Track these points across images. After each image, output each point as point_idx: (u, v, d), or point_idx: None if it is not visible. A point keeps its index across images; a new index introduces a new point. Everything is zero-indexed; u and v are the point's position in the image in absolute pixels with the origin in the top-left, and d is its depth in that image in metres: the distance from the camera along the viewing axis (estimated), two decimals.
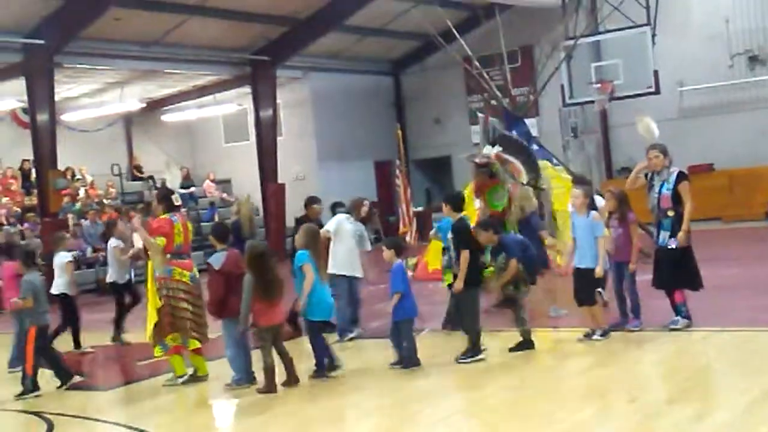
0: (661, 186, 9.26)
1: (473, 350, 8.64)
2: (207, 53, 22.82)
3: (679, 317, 9.18)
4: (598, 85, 21.31)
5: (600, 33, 22.29)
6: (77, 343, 11.41)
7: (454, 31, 18.84)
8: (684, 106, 23.33)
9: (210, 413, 8.33)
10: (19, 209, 21.35)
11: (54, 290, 11.25)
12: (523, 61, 24.04)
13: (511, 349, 8.89)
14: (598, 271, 9.07)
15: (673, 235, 9.16)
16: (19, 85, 19.57)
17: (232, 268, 8.51)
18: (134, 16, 19.70)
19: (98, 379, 10.26)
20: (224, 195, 26.57)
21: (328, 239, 10.34)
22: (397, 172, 18.66)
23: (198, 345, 8.91)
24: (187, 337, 8.82)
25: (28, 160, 22.08)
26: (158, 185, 24.97)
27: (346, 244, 10.28)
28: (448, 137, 26.98)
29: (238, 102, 25.69)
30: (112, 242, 12.13)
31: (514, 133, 17.14)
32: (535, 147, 17.23)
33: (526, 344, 8.93)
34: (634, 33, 20.93)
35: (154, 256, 8.86)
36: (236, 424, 7.99)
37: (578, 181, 11.10)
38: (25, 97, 19.69)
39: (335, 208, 11.09)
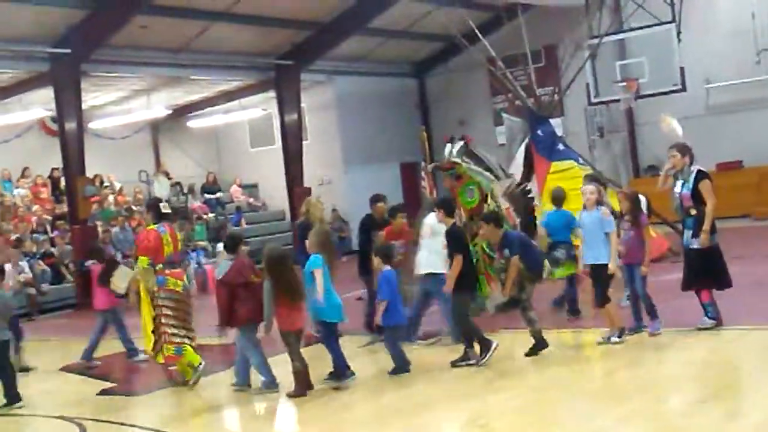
0: (682, 185, 9.18)
1: (466, 356, 8.68)
2: (232, 59, 22.94)
3: (705, 317, 9.08)
4: (624, 84, 21.18)
5: (624, 31, 22.15)
6: None
7: (477, 32, 18.82)
8: (711, 103, 23.14)
9: (240, 418, 8.37)
10: (49, 217, 21.56)
11: None
12: (547, 61, 23.93)
13: (526, 354, 8.83)
14: (611, 268, 8.94)
15: (696, 234, 9.07)
16: (47, 94, 19.80)
17: (234, 278, 8.60)
18: (159, 24, 19.85)
19: (130, 384, 10.35)
20: (251, 200, 26.70)
21: (408, 241, 10.45)
22: (423, 174, 18.64)
23: (191, 349, 9.12)
24: (180, 345, 9.01)
25: (57, 168, 22.31)
26: (185, 191, 25.20)
27: (438, 242, 9.79)
28: (473, 138, 26.89)
29: (263, 107, 25.80)
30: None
31: (539, 132, 17.14)
32: (560, 146, 17.19)
33: (539, 345, 8.86)
34: (659, 30, 20.78)
35: (144, 277, 9.08)
36: (266, 429, 8.03)
37: (592, 179, 11.00)
38: (53, 106, 19.92)
39: (395, 212, 10.82)
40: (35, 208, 21.66)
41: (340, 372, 8.48)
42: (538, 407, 7.23)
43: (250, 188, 27.27)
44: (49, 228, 21.01)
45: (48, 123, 22.98)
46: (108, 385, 10.04)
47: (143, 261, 9.00)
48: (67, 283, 19.11)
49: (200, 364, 9.10)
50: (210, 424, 8.00)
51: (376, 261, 9.01)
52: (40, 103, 20.91)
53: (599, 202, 9.30)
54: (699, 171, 9.16)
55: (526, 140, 17.09)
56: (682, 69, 20.30)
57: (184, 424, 7.90)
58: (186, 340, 9.09)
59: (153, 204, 9.71)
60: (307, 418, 7.80)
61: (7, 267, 17.40)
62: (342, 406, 7.98)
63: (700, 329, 9.01)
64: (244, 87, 24.98)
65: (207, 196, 25.61)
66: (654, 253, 15.24)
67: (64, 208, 21.29)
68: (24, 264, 17.69)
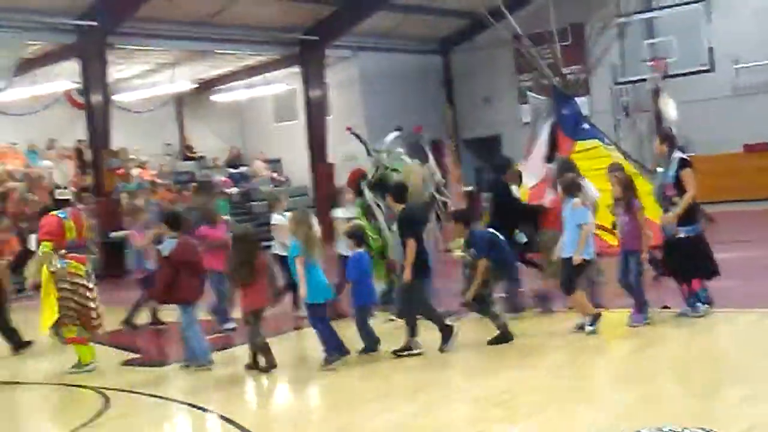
0: (664, 173, 8.95)
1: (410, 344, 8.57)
2: (257, 33, 22.93)
3: (699, 303, 8.86)
4: (651, 63, 21.00)
5: (653, 9, 21.94)
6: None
7: (504, 9, 18.63)
8: (739, 83, 22.88)
9: (264, 390, 8.45)
10: (74, 189, 21.71)
11: (275, 250, 11.38)
12: (574, 39, 23.72)
13: (489, 342, 8.65)
14: (576, 259, 8.67)
15: (681, 223, 8.82)
16: (73, 66, 19.90)
17: (181, 256, 8.75)
18: None
19: (154, 354, 10.46)
20: (274, 174, 26.76)
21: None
22: (447, 150, 18.64)
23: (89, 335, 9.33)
24: (83, 327, 9.20)
25: (82, 141, 22.45)
26: (209, 165, 25.31)
27: None
28: (497, 116, 26.83)
29: (287, 82, 25.80)
30: (275, 218, 11.39)
31: (564, 111, 17.00)
32: (585, 126, 17.07)
33: (503, 337, 8.65)
34: (689, 9, 20.60)
35: (45, 260, 9.22)
36: (289, 400, 8.10)
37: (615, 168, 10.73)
38: (80, 78, 20.02)
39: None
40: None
41: (333, 351, 8.39)
42: (560, 386, 7.24)
43: (274, 163, 27.34)
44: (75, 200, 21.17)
45: (74, 95, 23.09)
46: (132, 355, 10.16)
47: (46, 245, 9.19)
48: (91, 254, 19.23)
49: (90, 363, 9.29)
50: (232, 396, 8.08)
51: (350, 244, 8.93)
52: (67, 76, 21.03)
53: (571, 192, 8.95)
54: (681, 159, 8.92)
55: (551, 119, 16.98)
56: (710, 49, 20.12)
57: (206, 396, 7.98)
58: (87, 324, 9.25)
59: (49, 192, 9.98)
60: (329, 390, 7.87)
61: (33, 237, 17.67)
62: (358, 380, 8.04)
63: (694, 317, 8.81)
64: (268, 62, 24.98)
65: (230, 170, 25.71)
66: None
67: (89, 180, 21.43)
68: None
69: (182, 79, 24.55)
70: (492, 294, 8.99)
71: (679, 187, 8.83)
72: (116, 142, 21.00)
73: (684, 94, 23.24)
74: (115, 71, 22.29)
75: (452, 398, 7.13)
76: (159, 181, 23.15)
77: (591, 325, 8.72)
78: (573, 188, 8.94)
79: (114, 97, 22.69)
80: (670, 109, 11.54)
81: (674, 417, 6.06)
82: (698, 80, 20.63)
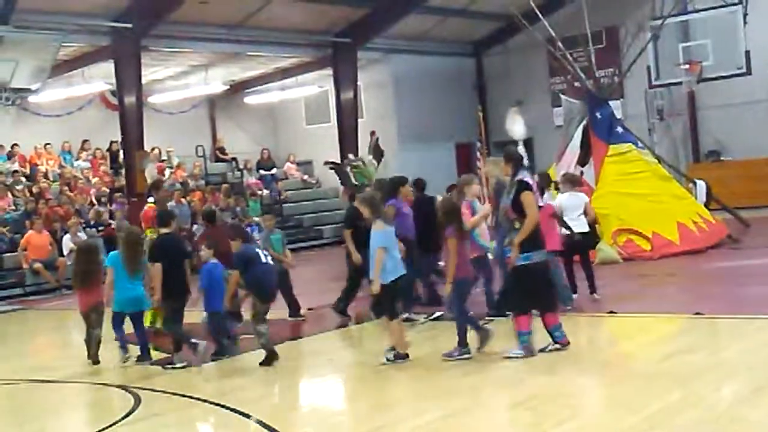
0: (507, 196, 8.40)
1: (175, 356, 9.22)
2: (289, 36, 23.00)
3: (517, 348, 8.17)
4: (686, 66, 20.78)
5: (688, 12, 21.69)
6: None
7: (537, 12, 18.55)
8: None
9: (294, 392, 8.45)
10: (107, 189, 21.90)
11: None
12: (608, 42, 23.54)
13: (261, 363, 8.81)
14: (374, 287, 8.30)
15: (522, 249, 8.15)
16: (108, 68, 20.07)
17: None
18: (219, 0, 19.97)
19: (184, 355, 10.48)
20: (305, 176, 26.80)
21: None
22: (478, 154, 18.55)
23: None
24: None
25: (116, 142, 22.63)
26: (241, 167, 25.41)
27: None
28: (530, 119, 26.54)
29: (319, 84, 25.85)
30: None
31: (598, 115, 16.88)
32: (619, 129, 16.93)
33: (271, 356, 8.85)
34: (725, 12, 20.33)
35: None
36: (319, 402, 8.08)
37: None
38: (114, 80, 20.19)
39: None
40: (94, 180, 22.02)
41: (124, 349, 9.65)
42: (592, 390, 7.17)
43: (305, 165, 27.39)
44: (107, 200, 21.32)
45: (108, 96, 23.30)
46: (162, 355, 10.19)
47: None
48: None
49: None
50: (262, 397, 8.08)
51: (204, 253, 9.50)
52: (102, 77, 21.22)
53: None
54: (520, 181, 8.29)
55: (584, 122, 16.87)
56: (747, 52, 19.84)
57: (236, 396, 7.98)
58: None
59: None
60: (360, 394, 7.84)
61: (66, 237, 17.85)
62: (391, 383, 8.02)
63: (507, 358, 8.20)
64: (300, 64, 25.05)
65: (262, 172, 25.79)
66: (713, 240, 15.08)
67: (122, 180, 21.60)
68: (82, 234, 18.02)
69: (215, 81, 24.69)
70: (261, 317, 8.94)
71: (519, 210, 8.23)
72: (149, 143, 21.15)
73: (720, 98, 22.97)
74: (150, 72, 22.47)
75: (482, 403, 7.09)
76: (191, 182, 23.26)
77: (392, 358, 8.38)
78: (377, 209, 8.62)
79: (148, 99, 22.87)
80: (516, 126, 11.13)
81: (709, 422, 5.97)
82: (734, 84, 20.33)
